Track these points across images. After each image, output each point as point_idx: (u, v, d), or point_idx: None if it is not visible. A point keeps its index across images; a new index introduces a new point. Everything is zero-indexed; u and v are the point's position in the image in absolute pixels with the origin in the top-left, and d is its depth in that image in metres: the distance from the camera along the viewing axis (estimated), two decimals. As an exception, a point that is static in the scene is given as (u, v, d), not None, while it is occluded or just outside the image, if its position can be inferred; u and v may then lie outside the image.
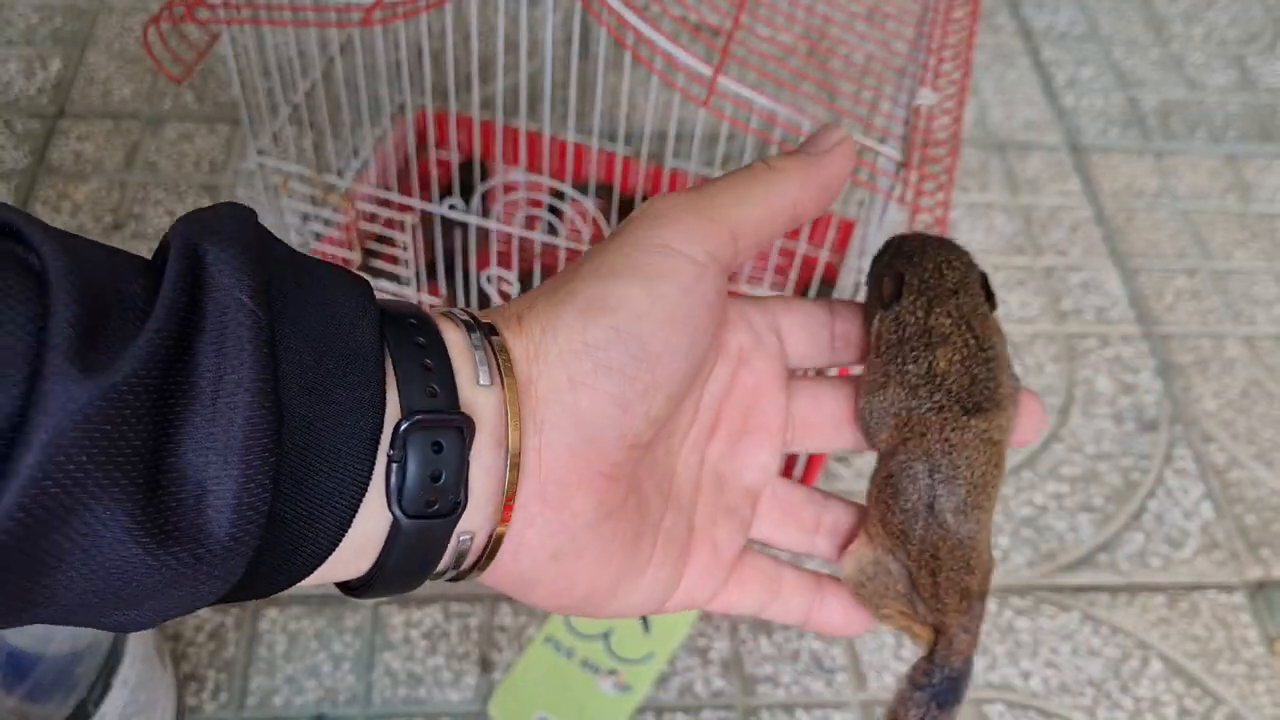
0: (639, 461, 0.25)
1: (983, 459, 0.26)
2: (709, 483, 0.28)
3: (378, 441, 0.21)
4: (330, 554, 0.21)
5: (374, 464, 0.21)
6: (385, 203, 0.76)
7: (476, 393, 0.22)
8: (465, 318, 0.24)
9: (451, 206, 0.66)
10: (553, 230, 0.69)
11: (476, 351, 0.23)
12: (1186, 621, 0.69)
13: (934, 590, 0.27)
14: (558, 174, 0.80)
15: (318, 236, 0.68)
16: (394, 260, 0.71)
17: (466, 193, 0.76)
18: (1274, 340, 0.86)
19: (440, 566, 0.23)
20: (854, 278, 0.59)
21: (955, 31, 0.55)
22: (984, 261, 0.89)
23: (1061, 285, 0.88)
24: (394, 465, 0.21)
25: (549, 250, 0.78)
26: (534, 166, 0.81)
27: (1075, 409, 0.79)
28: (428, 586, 0.65)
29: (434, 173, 0.66)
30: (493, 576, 0.24)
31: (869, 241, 0.56)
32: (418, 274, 0.68)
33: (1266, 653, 0.68)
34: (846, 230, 0.80)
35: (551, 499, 0.23)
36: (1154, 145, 1.01)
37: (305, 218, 0.67)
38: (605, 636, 0.63)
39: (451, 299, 0.73)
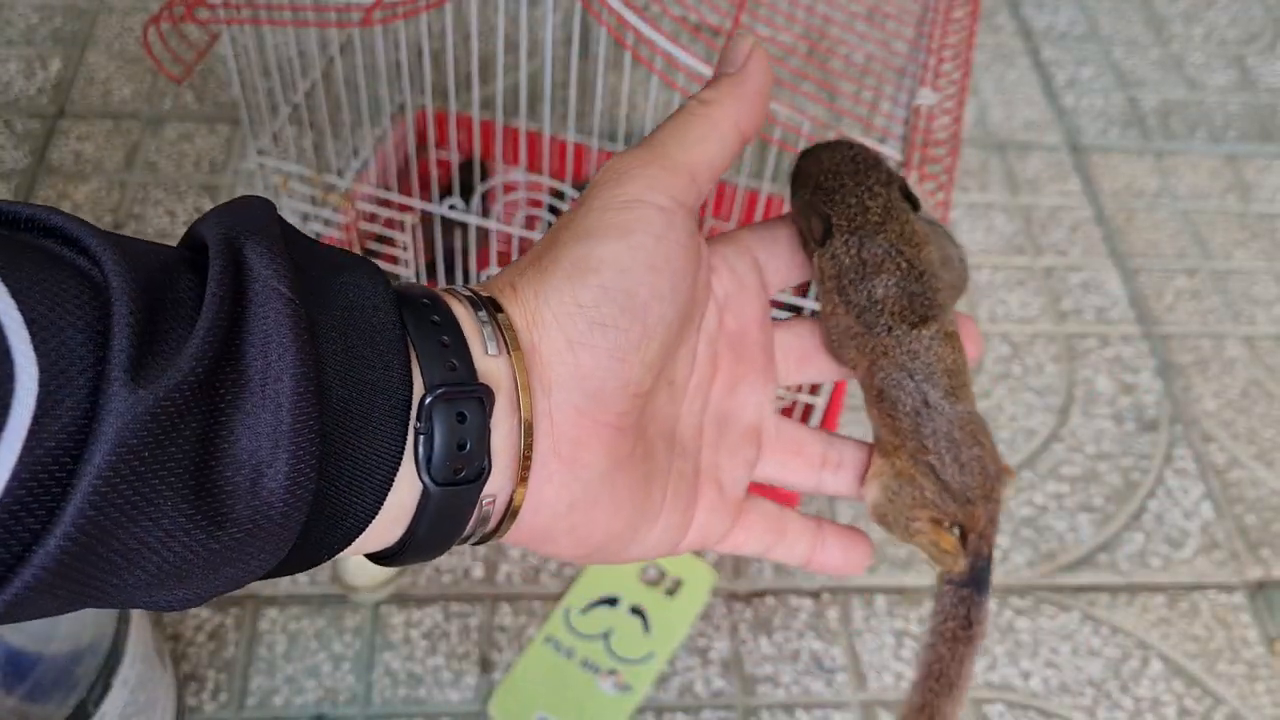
0: (643, 410, 0.26)
1: (947, 350, 0.29)
2: (711, 426, 0.30)
3: (407, 416, 0.22)
4: (367, 525, 0.22)
5: (405, 440, 0.22)
6: (385, 203, 0.76)
7: (487, 364, 0.24)
8: (467, 294, 0.25)
9: (451, 206, 0.66)
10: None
11: (483, 326, 0.24)
12: (1186, 621, 0.69)
13: (960, 476, 0.29)
14: (558, 174, 0.80)
15: (317, 236, 0.68)
16: (394, 260, 0.71)
17: (466, 193, 0.76)
18: (1274, 340, 0.86)
19: (466, 530, 0.25)
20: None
21: (955, 31, 0.55)
22: (984, 262, 0.89)
23: (1061, 285, 0.88)
24: (421, 437, 0.22)
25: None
26: (534, 166, 0.81)
27: (1075, 409, 0.79)
28: (428, 586, 0.65)
29: (434, 173, 0.66)
30: (516, 534, 0.26)
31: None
32: (418, 274, 0.68)
33: (1266, 653, 0.68)
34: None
35: (565, 455, 0.24)
36: (1154, 145, 1.01)
37: (305, 218, 0.67)
38: (605, 636, 0.63)
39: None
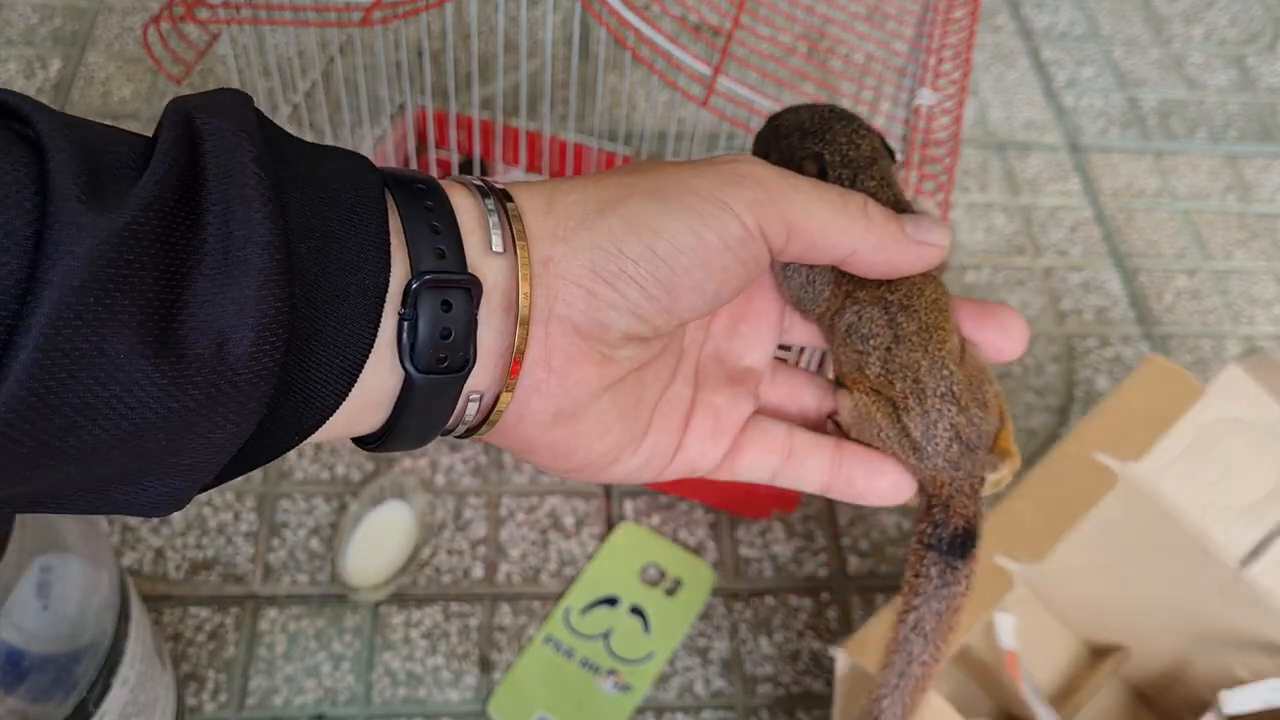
0: (640, 347, 0.26)
1: (929, 287, 0.28)
2: (709, 356, 0.30)
3: (383, 298, 0.22)
4: (339, 405, 0.22)
5: (379, 320, 0.22)
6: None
7: (489, 258, 0.23)
8: (478, 183, 0.25)
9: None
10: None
11: (490, 216, 0.24)
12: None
13: (925, 425, 0.27)
14: (558, 174, 0.80)
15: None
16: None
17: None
18: (1274, 340, 0.86)
19: (449, 423, 0.25)
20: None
21: (955, 31, 0.55)
22: (984, 262, 0.89)
23: (1061, 285, 0.88)
24: (405, 323, 0.22)
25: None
26: (534, 166, 0.81)
27: (1075, 409, 0.79)
28: (428, 587, 0.65)
29: (434, 172, 0.66)
30: (498, 436, 0.26)
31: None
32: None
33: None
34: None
35: (556, 367, 0.24)
36: (1154, 145, 1.01)
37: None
38: (605, 636, 0.63)
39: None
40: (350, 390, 0.22)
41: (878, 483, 0.29)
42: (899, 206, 0.28)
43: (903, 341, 0.27)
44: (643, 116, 0.91)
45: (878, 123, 0.55)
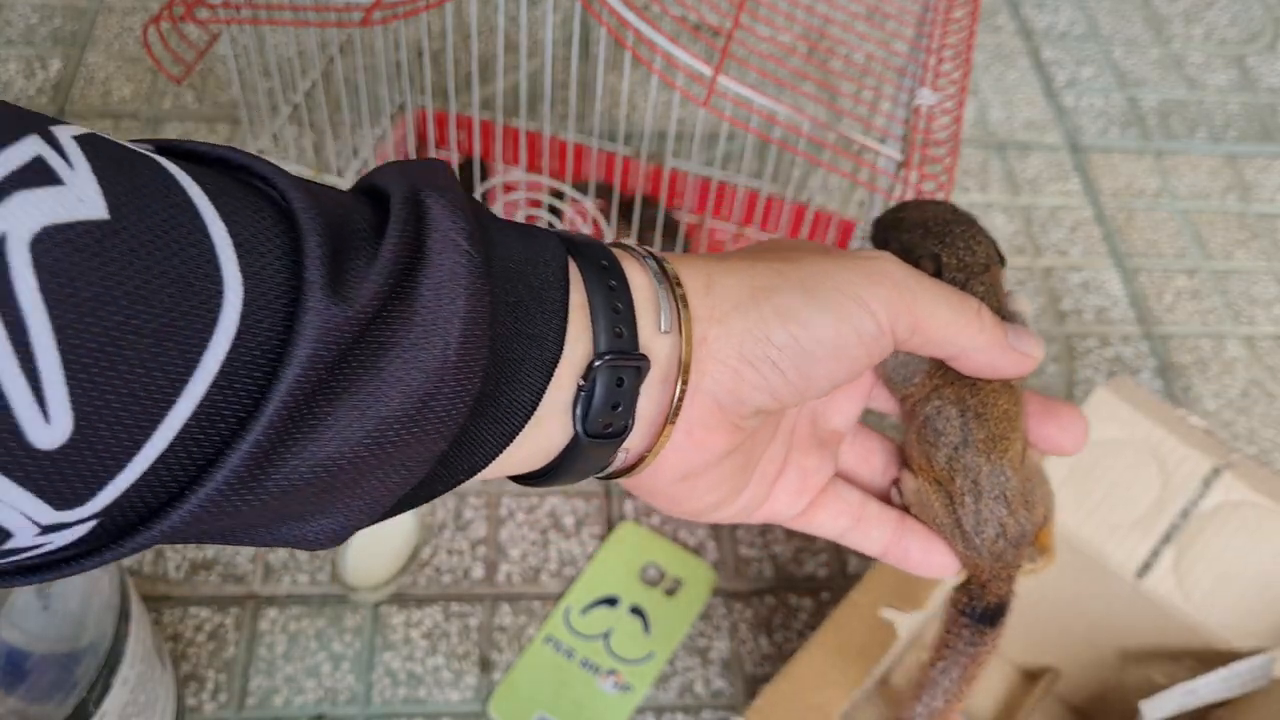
0: (764, 418, 0.29)
1: (1004, 397, 0.30)
2: (805, 418, 0.33)
3: (554, 370, 0.25)
4: (493, 459, 0.25)
5: (545, 388, 0.25)
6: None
7: (656, 337, 0.26)
8: (652, 263, 0.27)
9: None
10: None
11: (663, 300, 0.27)
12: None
13: (976, 521, 0.31)
14: (558, 174, 0.80)
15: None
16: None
17: (467, 192, 0.76)
18: (1274, 340, 0.86)
19: (597, 472, 0.28)
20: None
21: (955, 31, 0.55)
22: (984, 261, 0.89)
23: (1061, 285, 0.88)
24: (582, 393, 0.25)
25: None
26: (534, 166, 0.81)
27: (1075, 409, 0.79)
28: (428, 587, 0.65)
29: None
30: (630, 482, 0.29)
31: (868, 243, 0.56)
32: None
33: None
34: (847, 231, 0.80)
35: (694, 434, 0.27)
36: (1154, 145, 1.01)
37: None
38: (605, 636, 0.63)
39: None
40: (511, 444, 0.25)
41: (930, 558, 0.33)
42: (1000, 312, 0.31)
43: (970, 446, 0.30)
44: (642, 116, 0.91)
45: (878, 123, 0.55)
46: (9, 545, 0.18)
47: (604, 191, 0.78)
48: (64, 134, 0.18)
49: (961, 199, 0.93)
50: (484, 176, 0.78)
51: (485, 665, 0.62)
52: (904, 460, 0.33)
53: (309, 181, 0.22)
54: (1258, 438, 0.79)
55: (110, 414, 0.18)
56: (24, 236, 0.17)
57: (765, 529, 0.70)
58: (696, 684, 0.63)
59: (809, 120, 0.49)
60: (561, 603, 0.65)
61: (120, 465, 0.18)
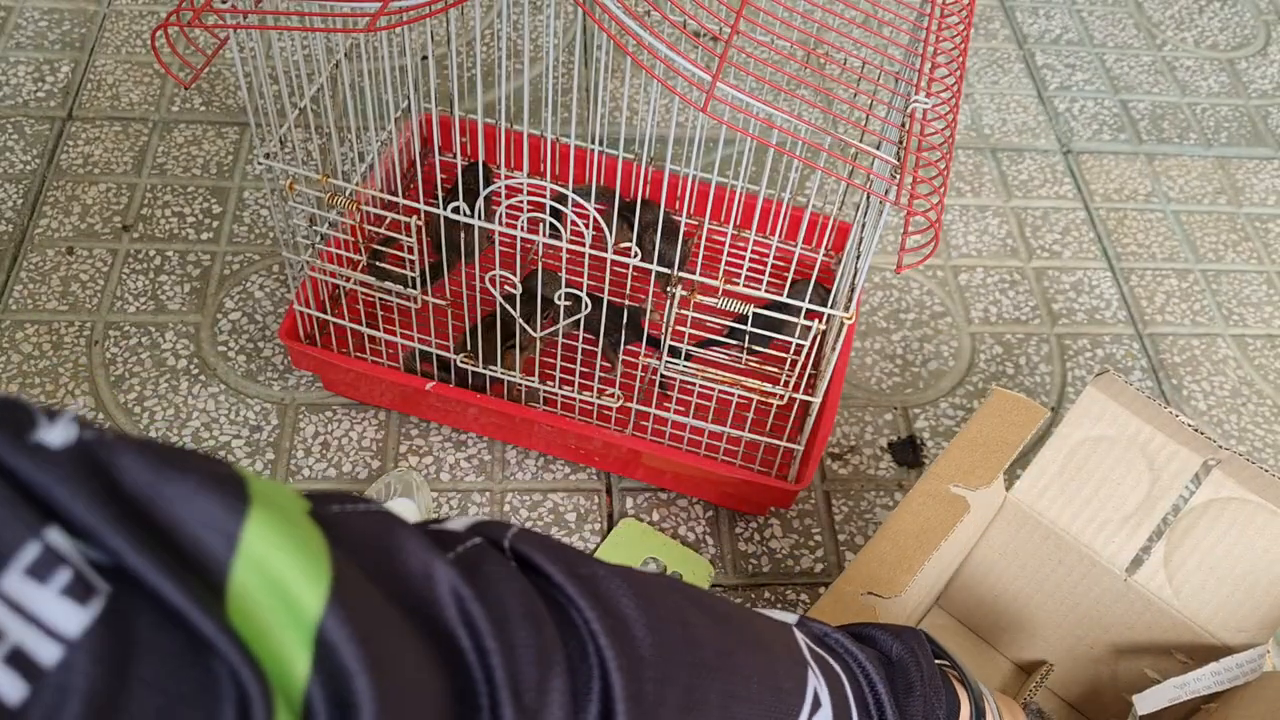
0: None
1: None
2: None
3: None
4: None
5: None
6: (390, 205, 0.77)
7: None
8: (974, 690, 0.39)
9: (455, 209, 0.67)
10: (555, 233, 0.71)
11: None
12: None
13: None
14: (560, 177, 0.81)
15: (324, 238, 0.69)
16: (399, 261, 0.72)
17: (470, 196, 0.77)
18: (1264, 340, 0.87)
19: None
20: (849, 279, 0.61)
21: (949, 37, 0.56)
22: (978, 264, 0.90)
23: (1054, 287, 0.89)
24: None
25: (551, 252, 0.79)
26: (536, 170, 0.82)
27: (1067, 409, 0.81)
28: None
29: (438, 176, 0.67)
30: None
31: (865, 243, 0.58)
32: (422, 274, 0.69)
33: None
34: (843, 232, 0.81)
35: None
36: (1145, 148, 1.03)
37: (312, 220, 0.69)
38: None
39: (456, 298, 0.74)
40: None
41: None
42: None
43: None
44: (643, 121, 0.93)
45: (873, 127, 0.57)
46: None
47: (605, 194, 0.80)
48: None
49: (955, 202, 0.94)
50: (487, 180, 0.80)
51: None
52: None
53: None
54: (1248, 436, 0.80)
55: None
56: None
57: (762, 525, 0.71)
58: (696, 676, 0.64)
59: (806, 124, 0.50)
60: (564, 597, 0.66)
61: None
